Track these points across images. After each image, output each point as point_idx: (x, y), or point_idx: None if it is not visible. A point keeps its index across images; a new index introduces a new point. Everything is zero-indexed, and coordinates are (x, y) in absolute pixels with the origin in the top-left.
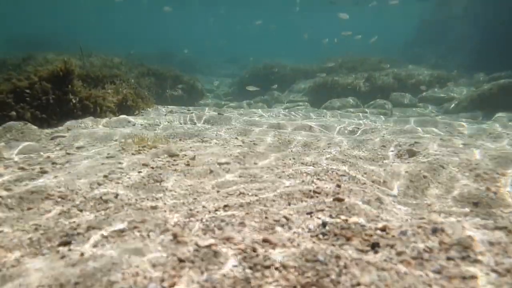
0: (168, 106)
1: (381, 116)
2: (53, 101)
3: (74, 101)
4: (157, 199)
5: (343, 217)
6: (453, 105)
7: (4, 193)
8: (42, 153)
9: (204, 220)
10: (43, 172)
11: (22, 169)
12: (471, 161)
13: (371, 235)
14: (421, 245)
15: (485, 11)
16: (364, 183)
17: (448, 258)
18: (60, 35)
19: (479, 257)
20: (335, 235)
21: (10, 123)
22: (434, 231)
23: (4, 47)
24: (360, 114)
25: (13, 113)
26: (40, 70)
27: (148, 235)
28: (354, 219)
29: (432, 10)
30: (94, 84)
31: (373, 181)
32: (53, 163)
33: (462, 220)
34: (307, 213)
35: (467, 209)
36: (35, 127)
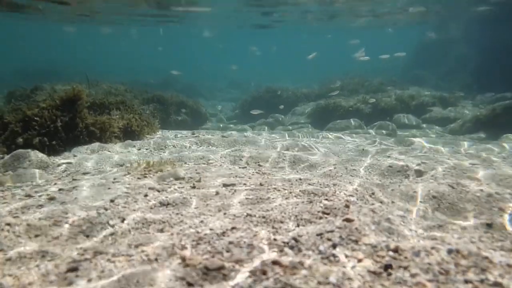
0: (173, 131)
1: (385, 137)
2: (60, 127)
3: (81, 126)
4: (163, 222)
5: (353, 238)
6: (457, 125)
7: (12, 220)
8: (49, 180)
9: (212, 243)
10: (50, 198)
11: (29, 196)
12: (481, 181)
13: (383, 256)
14: (436, 267)
15: (483, 33)
16: (373, 204)
17: (466, 281)
18: (67, 66)
19: (499, 280)
20: (346, 256)
21: (18, 151)
22: (449, 252)
23: (13, 79)
24: (364, 136)
25: (20, 140)
26: (48, 99)
27: (156, 259)
28: (364, 240)
29: (431, 33)
30: (100, 111)
31: (381, 202)
32: (60, 189)
33: (477, 241)
34: (317, 235)
35: (481, 231)
36: (42, 154)
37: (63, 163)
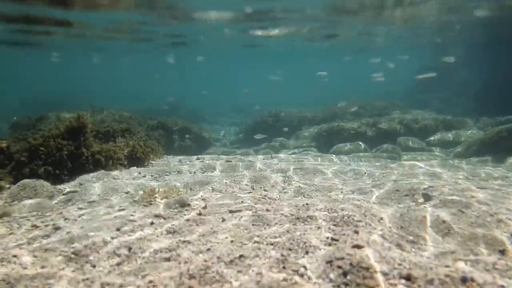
0: (177, 156)
1: (389, 160)
2: (66, 156)
3: (86, 155)
4: (170, 250)
5: (364, 265)
6: (462, 149)
7: (18, 252)
8: (54, 210)
9: (220, 271)
10: (56, 228)
11: (35, 226)
12: (491, 206)
13: (395, 285)
14: None
15: (482, 58)
16: (382, 229)
17: None
18: (71, 95)
19: None
20: (358, 285)
21: (24, 181)
22: (464, 280)
23: (20, 110)
24: (368, 159)
25: (26, 170)
26: (53, 128)
27: None
28: (376, 267)
29: (432, 57)
30: (105, 139)
31: (390, 227)
32: (66, 219)
33: (491, 269)
34: (327, 262)
35: (494, 257)
36: (48, 183)
37: (69, 192)
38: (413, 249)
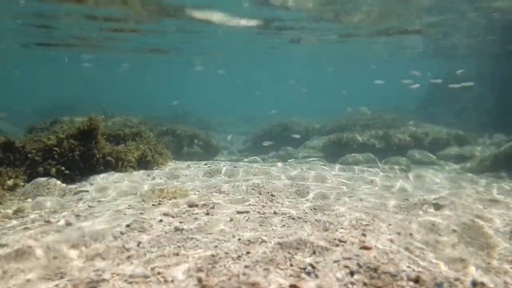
0: (186, 161)
1: (398, 172)
2: (78, 157)
3: (98, 156)
4: (179, 246)
5: (371, 266)
6: (474, 163)
7: (33, 243)
8: (66, 207)
9: (227, 266)
10: (67, 224)
11: (48, 222)
12: (503, 217)
13: (403, 286)
14: None
15: (493, 72)
16: (390, 234)
17: None
18: (82, 101)
19: None
20: (365, 284)
21: (37, 179)
22: (474, 285)
23: (34, 116)
24: (374, 170)
25: (40, 169)
26: (67, 129)
27: (172, 281)
28: (383, 268)
29: (444, 71)
30: (116, 142)
31: (398, 233)
32: (77, 215)
33: (503, 275)
34: (334, 261)
35: (506, 266)
36: (60, 182)
37: (80, 191)
38: (422, 253)
